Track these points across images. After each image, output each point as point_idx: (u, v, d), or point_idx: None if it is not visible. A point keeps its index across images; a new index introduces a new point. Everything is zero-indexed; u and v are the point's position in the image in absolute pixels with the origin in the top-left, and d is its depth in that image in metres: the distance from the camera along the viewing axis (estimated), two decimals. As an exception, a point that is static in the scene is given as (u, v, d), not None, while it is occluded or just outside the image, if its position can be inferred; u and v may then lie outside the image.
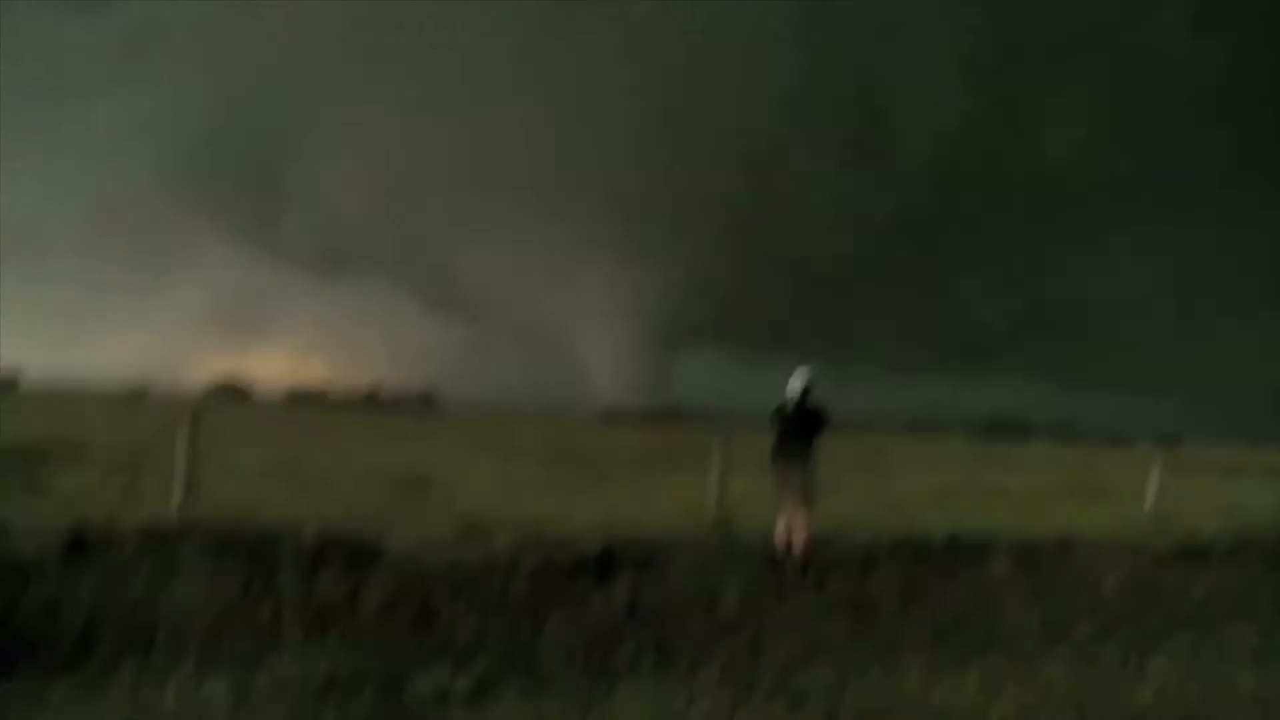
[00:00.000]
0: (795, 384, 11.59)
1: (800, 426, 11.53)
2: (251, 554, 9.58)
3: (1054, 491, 21.92)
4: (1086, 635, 10.57)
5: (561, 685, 8.36)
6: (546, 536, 10.70)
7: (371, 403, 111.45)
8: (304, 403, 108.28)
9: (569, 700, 8.04)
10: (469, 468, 21.45)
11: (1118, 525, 13.91)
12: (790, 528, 11.18)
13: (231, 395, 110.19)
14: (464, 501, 13.21)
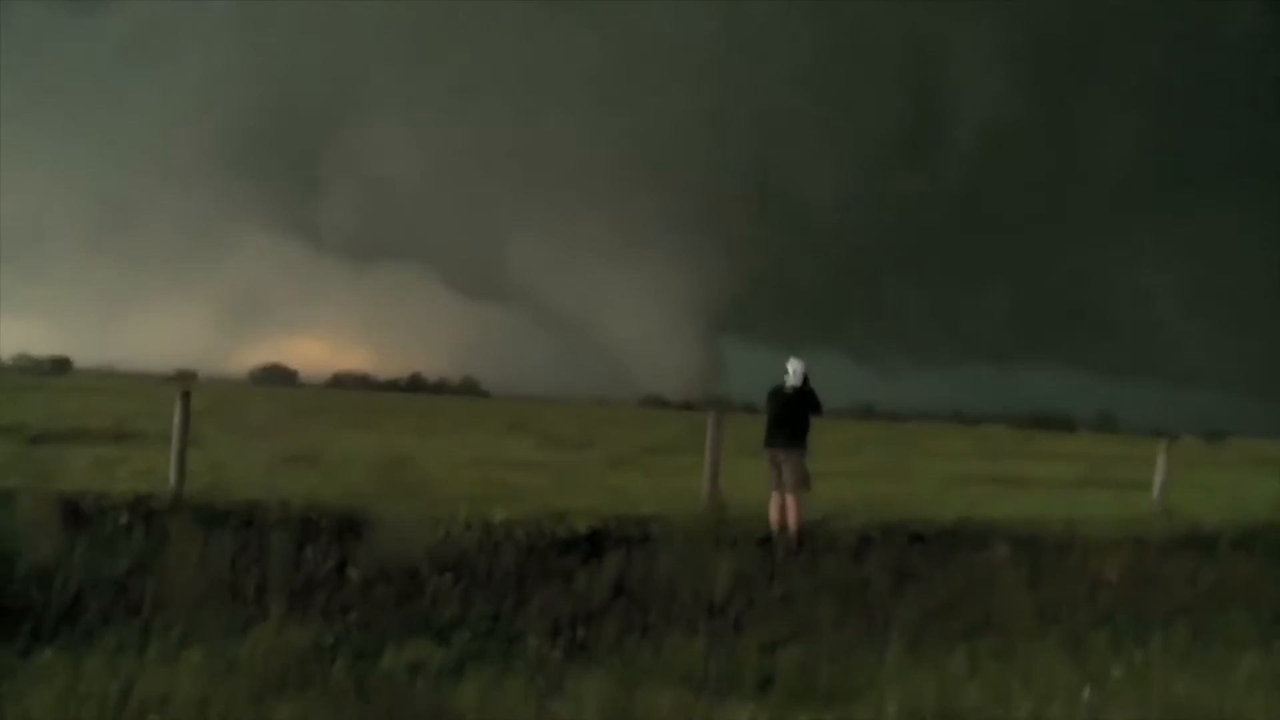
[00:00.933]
0: (791, 369, 11.52)
1: (794, 411, 11.46)
2: (242, 528, 9.66)
3: (1077, 482, 21.68)
4: (1081, 621, 10.46)
5: (538, 661, 8.38)
6: (540, 513, 10.70)
7: (414, 386, 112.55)
8: (347, 386, 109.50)
9: (543, 677, 8.05)
10: (486, 448, 21.57)
11: (1130, 515, 13.71)
12: (783, 510, 11.12)
13: (277, 379, 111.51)
14: (468, 479, 13.27)
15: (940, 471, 22.38)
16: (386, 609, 9.00)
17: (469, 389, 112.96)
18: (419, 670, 7.94)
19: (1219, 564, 12.10)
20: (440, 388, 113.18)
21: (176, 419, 10.69)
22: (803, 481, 11.19)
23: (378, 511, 10.24)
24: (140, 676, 7.24)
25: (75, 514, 9.63)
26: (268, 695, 7.19)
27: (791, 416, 11.45)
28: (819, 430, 12.02)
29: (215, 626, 8.40)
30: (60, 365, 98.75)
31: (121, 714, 6.66)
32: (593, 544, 10.42)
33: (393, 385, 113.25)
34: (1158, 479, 14.13)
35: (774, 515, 11.18)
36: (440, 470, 15.17)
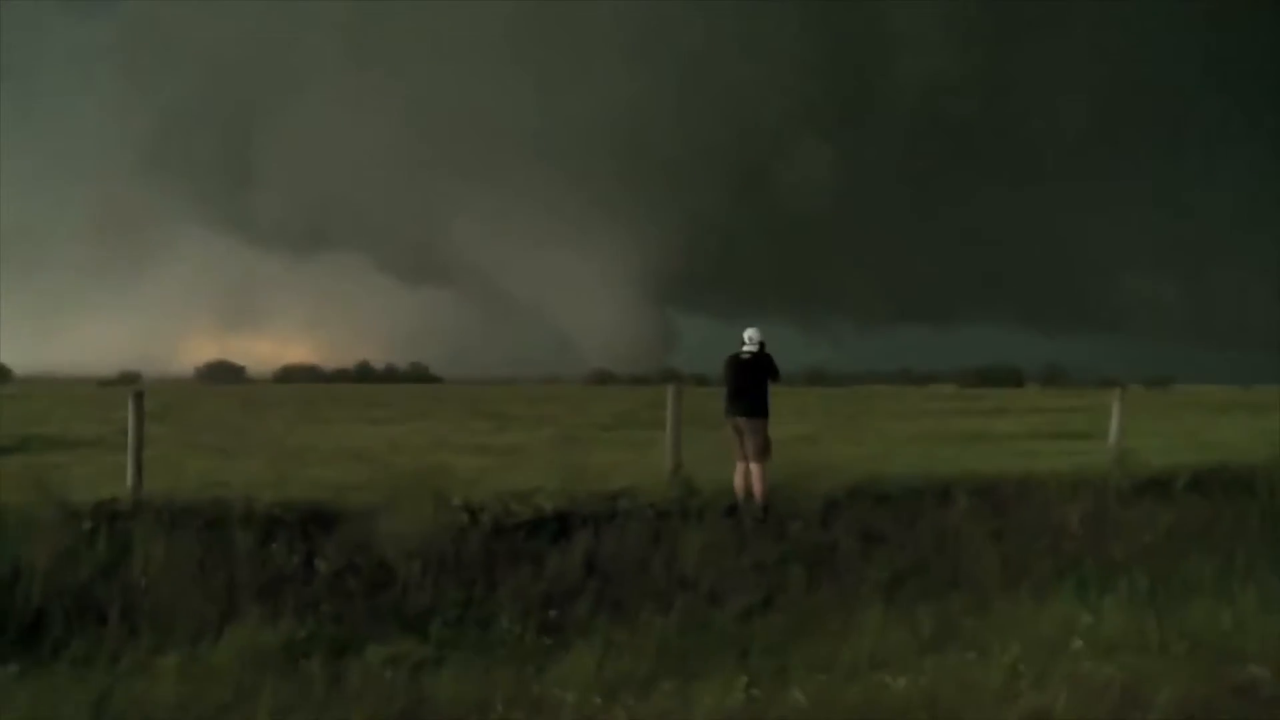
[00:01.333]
0: (748, 337, 11.52)
1: (753, 379, 11.47)
2: (206, 528, 9.51)
3: (1031, 434, 21.93)
4: (1047, 572, 10.58)
5: (514, 646, 8.36)
6: (504, 495, 10.63)
7: (362, 376, 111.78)
8: (295, 379, 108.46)
9: (521, 660, 8.03)
10: (444, 433, 21.45)
11: (1086, 464, 13.85)
12: (748, 478, 11.12)
13: (224, 376, 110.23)
14: (427, 464, 13.16)
15: (897, 431, 22.56)
16: (357, 601, 8.94)
17: (419, 375, 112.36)
18: (397, 662, 7.89)
19: (1176, 507, 12.26)
20: (390, 375, 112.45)
21: (131, 421, 10.51)
22: (766, 449, 11.21)
23: (342, 503, 10.14)
24: (115, 687, 7.14)
25: (33, 524, 9.43)
26: (247, 697, 7.12)
27: (751, 384, 11.44)
28: (774, 397, 12.02)
29: (186, 630, 8.30)
30: (0, 373, 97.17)
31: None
32: (560, 524, 10.38)
33: (341, 375, 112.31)
34: (1113, 427, 14.29)
35: (739, 484, 11.19)
36: (401, 458, 15.06)
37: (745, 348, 11.53)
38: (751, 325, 11.61)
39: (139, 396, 10.73)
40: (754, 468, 11.10)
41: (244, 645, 8.04)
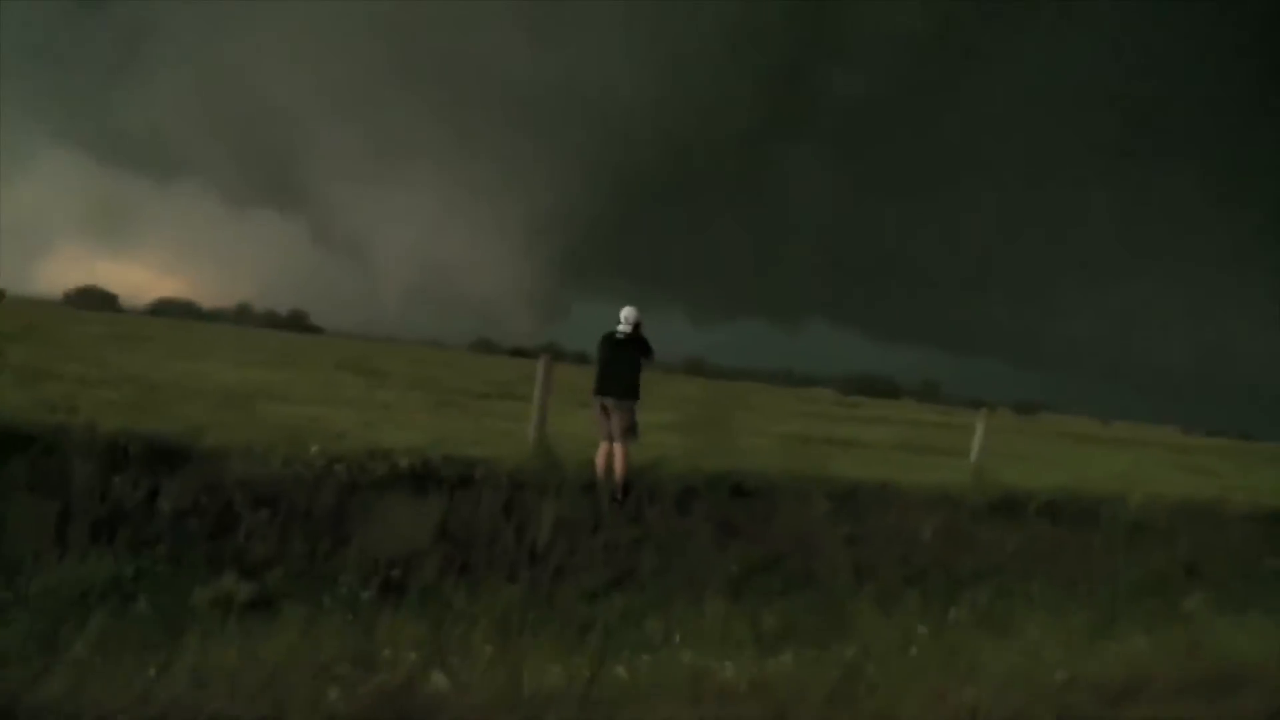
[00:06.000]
0: (624, 316, 11.43)
1: (626, 358, 11.46)
2: (43, 454, 9.14)
3: (897, 446, 22.27)
4: (896, 580, 10.78)
5: (351, 601, 8.25)
6: (364, 451, 10.43)
7: (241, 317, 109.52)
8: (171, 313, 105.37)
9: (355, 616, 7.94)
10: (308, 384, 20.95)
11: (944, 479, 14.12)
12: (610, 458, 11.08)
13: (94, 302, 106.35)
14: (291, 414, 12.87)
15: (765, 428, 22.69)
16: (198, 544, 8.70)
17: (298, 323, 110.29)
18: (229, 608, 7.72)
19: (1026, 529, 12.60)
20: (269, 320, 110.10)
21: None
22: (631, 430, 11.16)
23: (193, 441, 9.84)
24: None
25: None
26: (69, 632, 6.92)
27: (623, 363, 11.38)
28: (651, 382, 12.01)
29: (7, 560, 7.99)
30: None
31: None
32: (415, 485, 10.24)
33: (219, 315, 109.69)
34: (975, 445, 14.63)
35: (600, 463, 11.14)
36: (264, 404, 14.67)
37: (620, 327, 11.44)
38: (629, 305, 11.53)
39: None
40: (617, 448, 11.06)
41: (72, 579, 7.80)
